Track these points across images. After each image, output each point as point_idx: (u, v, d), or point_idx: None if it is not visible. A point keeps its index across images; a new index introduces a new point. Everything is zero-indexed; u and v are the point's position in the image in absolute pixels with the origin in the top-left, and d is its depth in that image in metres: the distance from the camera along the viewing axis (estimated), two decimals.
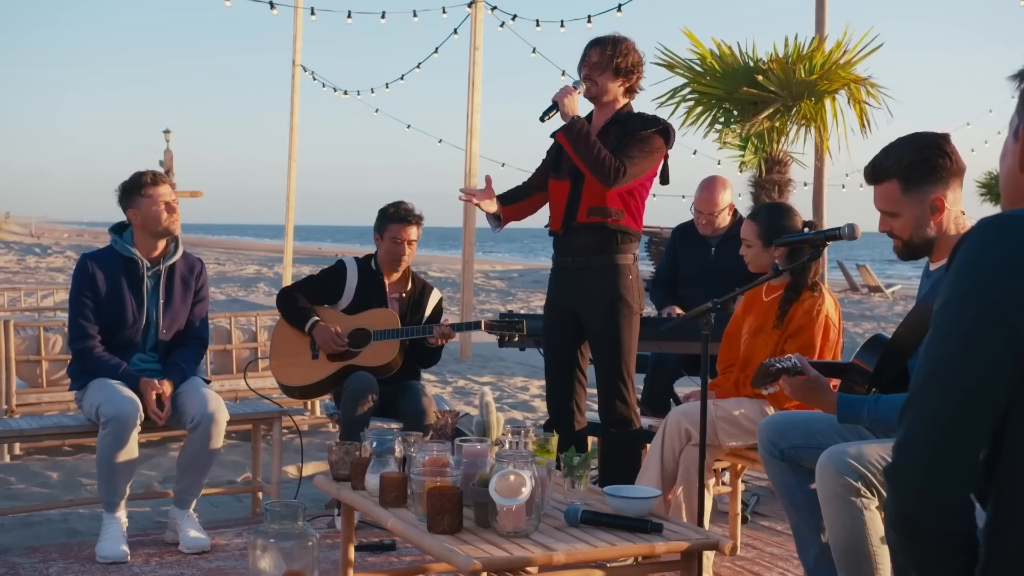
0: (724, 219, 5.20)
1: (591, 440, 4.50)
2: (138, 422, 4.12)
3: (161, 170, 4.98)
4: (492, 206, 4.33)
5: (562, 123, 4.12)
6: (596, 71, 4.17)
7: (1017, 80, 1.62)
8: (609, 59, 4.14)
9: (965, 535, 1.48)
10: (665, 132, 4.14)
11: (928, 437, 1.47)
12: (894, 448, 1.52)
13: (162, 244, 4.41)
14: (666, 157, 4.22)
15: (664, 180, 4.26)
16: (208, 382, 4.54)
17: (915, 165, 2.89)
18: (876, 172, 2.95)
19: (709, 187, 5.19)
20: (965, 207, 3.00)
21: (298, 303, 4.83)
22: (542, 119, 4.17)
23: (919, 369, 1.53)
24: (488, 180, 4.33)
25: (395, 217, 4.83)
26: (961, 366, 1.47)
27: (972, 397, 1.46)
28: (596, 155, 4.00)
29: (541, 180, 4.36)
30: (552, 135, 4.24)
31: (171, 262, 4.42)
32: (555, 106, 4.13)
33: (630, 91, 4.23)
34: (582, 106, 4.21)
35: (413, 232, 4.84)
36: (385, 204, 4.90)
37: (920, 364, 1.53)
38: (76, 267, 4.35)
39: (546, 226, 4.36)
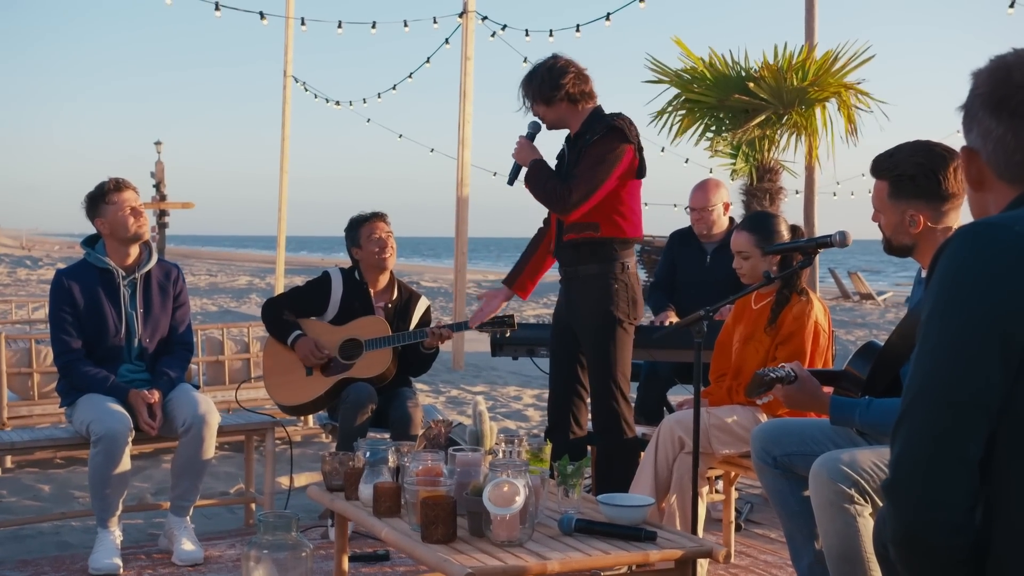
0: (720, 219, 5.23)
1: (588, 450, 4.48)
2: (129, 439, 4.10)
3: (152, 181, 5.01)
4: (499, 299, 4.48)
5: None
6: (534, 109, 4.24)
7: (962, 109, 1.67)
8: (533, 93, 4.19)
9: (968, 546, 1.47)
10: (617, 130, 4.08)
11: (924, 452, 1.46)
12: (891, 465, 1.51)
13: (135, 251, 4.41)
14: (640, 150, 4.17)
15: (640, 173, 4.20)
16: (198, 388, 4.52)
17: (903, 178, 2.88)
18: (875, 167, 2.96)
19: (702, 186, 5.24)
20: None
21: (282, 316, 4.82)
22: (510, 183, 4.25)
23: (909, 383, 1.51)
24: (483, 297, 4.52)
25: (363, 219, 4.91)
26: (951, 378, 1.46)
27: (965, 409, 1.45)
28: (545, 192, 4.11)
29: None
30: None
31: (146, 269, 4.41)
32: (517, 165, 4.21)
33: (572, 100, 4.15)
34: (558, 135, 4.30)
35: (386, 225, 4.91)
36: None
37: (910, 378, 1.52)
38: (52, 284, 4.33)
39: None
